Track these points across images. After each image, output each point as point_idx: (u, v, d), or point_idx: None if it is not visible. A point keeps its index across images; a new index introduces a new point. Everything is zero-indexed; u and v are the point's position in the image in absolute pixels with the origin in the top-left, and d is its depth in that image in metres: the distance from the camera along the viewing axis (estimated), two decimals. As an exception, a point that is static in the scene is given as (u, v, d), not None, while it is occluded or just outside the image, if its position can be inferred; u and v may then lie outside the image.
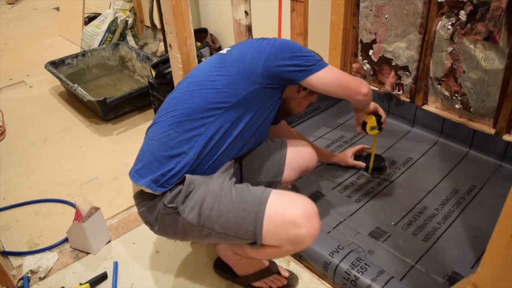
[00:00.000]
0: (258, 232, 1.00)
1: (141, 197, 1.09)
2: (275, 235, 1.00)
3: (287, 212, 0.99)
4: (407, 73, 1.85)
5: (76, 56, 2.54)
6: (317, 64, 1.13)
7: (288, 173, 1.27)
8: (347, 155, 1.65)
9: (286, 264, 1.32)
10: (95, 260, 1.38)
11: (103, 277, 1.30)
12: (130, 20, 2.83)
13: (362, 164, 1.64)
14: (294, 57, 1.11)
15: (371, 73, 2.01)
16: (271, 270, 1.25)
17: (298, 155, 1.30)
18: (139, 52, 2.54)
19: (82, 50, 2.75)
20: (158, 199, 1.05)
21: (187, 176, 1.03)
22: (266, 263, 1.26)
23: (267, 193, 1.03)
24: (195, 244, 1.41)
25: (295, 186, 1.57)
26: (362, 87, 1.22)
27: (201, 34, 2.77)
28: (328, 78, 1.14)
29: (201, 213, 1.01)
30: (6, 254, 1.41)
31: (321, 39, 2.06)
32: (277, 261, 1.30)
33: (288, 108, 1.27)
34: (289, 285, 1.24)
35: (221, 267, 1.29)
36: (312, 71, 1.12)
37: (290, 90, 1.22)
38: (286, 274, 1.26)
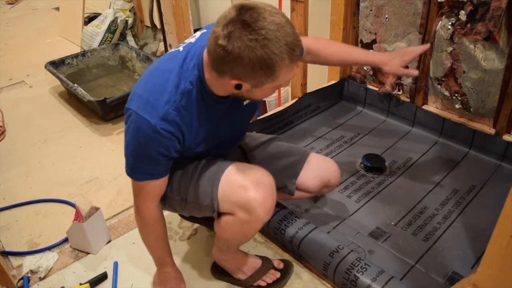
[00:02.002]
0: (214, 195, 1.04)
1: None
2: (228, 199, 1.03)
3: (240, 177, 1.03)
4: (407, 73, 1.85)
5: (76, 56, 2.53)
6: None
7: (311, 179, 1.25)
8: (396, 62, 1.30)
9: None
10: (95, 260, 1.38)
11: (103, 277, 1.30)
12: (130, 20, 2.83)
13: (414, 72, 1.32)
14: None
15: (371, 73, 2.01)
16: (266, 267, 1.26)
17: (323, 165, 1.28)
18: (139, 52, 2.54)
19: (82, 50, 2.75)
20: None
21: None
22: (259, 262, 1.27)
23: (229, 162, 1.07)
24: (195, 244, 1.41)
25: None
26: None
27: (201, 34, 2.77)
28: None
29: (173, 187, 1.10)
30: (6, 254, 1.41)
31: (321, 39, 2.06)
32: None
33: (245, 98, 1.03)
34: (285, 274, 1.26)
35: (220, 271, 1.29)
36: None
37: (223, 86, 0.96)
38: (281, 265, 1.28)
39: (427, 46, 1.37)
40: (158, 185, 1.05)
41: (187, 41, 1.04)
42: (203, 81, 0.97)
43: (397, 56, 1.31)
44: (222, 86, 0.95)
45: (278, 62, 0.85)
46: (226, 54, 0.84)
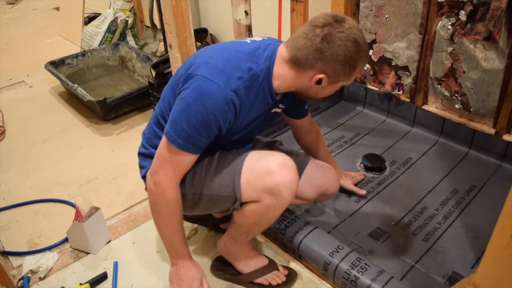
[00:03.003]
0: (237, 185, 1.04)
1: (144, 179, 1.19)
2: (252, 187, 1.04)
3: (262, 163, 1.05)
4: (407, 73, 1.85)
5: (76, 56, 2.53)
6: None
7: (307, 188, 1.24)
8: (347, 180, 1.54)
9: (286, 263, 1.32)
10: (95, 260, 1.38)
11: (103, 277, 1.30)
12: (130, 20, 2.83)
13: (363, 192, 1.53)
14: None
15: (371, 73, 2.01)
16: (271, 267, 1.26)
17: (319, 175, 1.27)
18: (139, 52, 2.54)
19: (82, 50, 2.75)
20: None
21: None
22: (266, 261, 1.27)
23: (247, 152, 1.09)
24: (195, 244, 1.41)
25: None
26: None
27: (201, 34, 2.77)
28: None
29: (188, 181, 1.10)
30: (6, 254, 1.41)
31: (321, 39, 2.06)
32: (277, 260, 1.30)
33: (307, 95, 1.12)
34: (288, 281, 1.25)
35: (220, 268, 1.29)
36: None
37: (297, 80, 1.06)
38: (286, 271, 1.27)
39: (363, 192, 1.54)
40: (190, 161, 1.04)
41: (251, 38, 1.12)
42: (270, 73, 1.04)
43: (349, 177, 1.55)
44: (295, 81, 1.04)
45: (359, 64, 1.01)
46: (322, 51, 0.97)
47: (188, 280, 1.15)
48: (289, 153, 1.29)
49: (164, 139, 1.03)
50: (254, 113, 1.08)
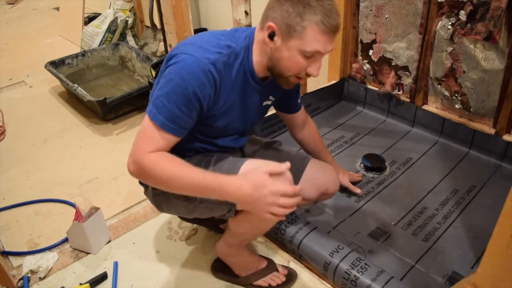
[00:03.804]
0: None
1: (142, 183, 1.17)
2: None
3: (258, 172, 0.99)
4: (407, 73, 1.85)
5: (76, 56, 2.53)
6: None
7: (308, 188, 1.21)
8: (344, 177, 1.54)
9: (286, 263, 1.32)
10: (95, 260, 1.38)
11: (103, 277, 1.30)
12: (130, 20, 2.83)
13: (357, 191, 1.54)
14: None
15: (371, 73, 2.01)
16: (270, 268, 1.26)
17: (320, 174, 1.25)
18: (139, 52, 2.54)
19: (82, 50, 2.75)
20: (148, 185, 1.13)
21: None
22: (265, 262, 1.27)
23: (242, 160, 1.07)
24: (195, 244, 1.41)
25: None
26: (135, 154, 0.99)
27: (201, 34, 2.77)
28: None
29: None
30: (6, 254, 1.41)
31: (321, 39, 2.06)
32: (277, 260, 1.30)
33: (276, 71, 1.04)
34: (288, 281, 1.25)
35: (220, 269, 1.29)
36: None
37: (263, 47, 1.03)
38: (285, 272, 1.27)
39: (357, 190, 1.55)
40: (171, 142, 0.99)
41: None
42: (249, 52, 1.04)
43: (346, 174, 1.55)
44: (262, 48, 1.02)
45: (310, 17, 0.93)
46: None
47: (261, 182, 0.94)
48: (288, 153, 1.29)
49: (145, 118, 0.99)
50: (236, 95, 1.06)
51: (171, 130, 0.97)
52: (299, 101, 1.32)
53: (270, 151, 1.31)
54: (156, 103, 0.97)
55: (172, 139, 0.99)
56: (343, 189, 1.56)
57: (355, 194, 1.54)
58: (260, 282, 1.24)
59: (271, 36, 0.98)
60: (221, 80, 1.00)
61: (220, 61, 0.98)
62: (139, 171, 0.98)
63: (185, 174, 0.95)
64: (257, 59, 1.04)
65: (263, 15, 1.00)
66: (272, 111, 1.38)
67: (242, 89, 1.07)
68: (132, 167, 0.98)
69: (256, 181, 0.93)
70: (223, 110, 1.06)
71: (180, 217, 1.44)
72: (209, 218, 1.40)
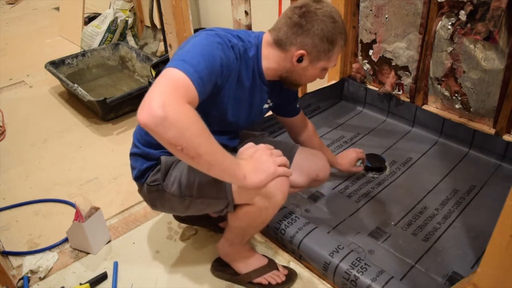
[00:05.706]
0: (229, 189, 1.04)
1: (137, 180, 1.18)
2: (244, 190, 1.02)
3: None
4: (407, 73, 1.85)
5: (76, 56, 2.53)
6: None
7: (298, 175, 1.22)
8: (349, 161, 1.54)
9: (286, 263, 1.32)
10: (95, 260, 1.38)
11: (103, 277, 1.30)
12: (130, 20, 2.83)
13: (359, 169, 1.58)
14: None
15: (371, 73, 2.01)
16: (271, 266, 1.26)
17: (309, 161, 1.27)
18: (139, 52, 2.54)
19: (82, 50, 2.75)
20: (143, 181, 1.15)
21: (162, 157, 1.10)
22: (266, 260, 1.27)
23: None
24: (195, 244, 1.41)
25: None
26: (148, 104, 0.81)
27: (201, 34, 2.77)
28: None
29: (181, 184, 1.08)
30: (6, 254, 1.41)
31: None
32: (277, 260, 1.30)
33: (291, 80, 1.14)
34: (288, 280, 1.25)
35: (220, 268, 1.29)
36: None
37: (281, 61, 1.10)
38: (285, 271, 1.27)
39: (359, 169, 1.59)
40: (192, 91, 0.87)
41: None
42: (259, 51, 1.09)
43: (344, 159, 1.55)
44: (280, 63, 1.09)
45: (338, 41, 1.07)
46: (301, 26, 1.04)
47: (263, 159, 0.99)
48: (277, 143, 1.29)
49: (170, 70, 0.89)
50: (241, 92, 1.08)
51: (192, 76, 0.88)
52: (297, 105, 1.35)
53: (259, 138, 1.33)
54: (178, 54, 0.93)
55: (193, 89, 0.88)
56: (343, 189, 1.56)
57: (355, 174, 1.58)
58: (260, 279, 1.24)
59: (300, 60, 1.08)
60: (234, 67, 1.03)
61: (237, 49, 1.04)
62: (166, 119, 0.79)
63: (212, 140, 0.88)
64: (268, 66, 1.10)
65: (284, 33, 1.06)
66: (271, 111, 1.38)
67: (251, 85, 1.11)
68: (160, 111, 0.78)
69: (249, 151, 1.01)
70: (230, 98, 1.06)
71: (176, 217, 1.44)
72: (206, 217, 1.41)
